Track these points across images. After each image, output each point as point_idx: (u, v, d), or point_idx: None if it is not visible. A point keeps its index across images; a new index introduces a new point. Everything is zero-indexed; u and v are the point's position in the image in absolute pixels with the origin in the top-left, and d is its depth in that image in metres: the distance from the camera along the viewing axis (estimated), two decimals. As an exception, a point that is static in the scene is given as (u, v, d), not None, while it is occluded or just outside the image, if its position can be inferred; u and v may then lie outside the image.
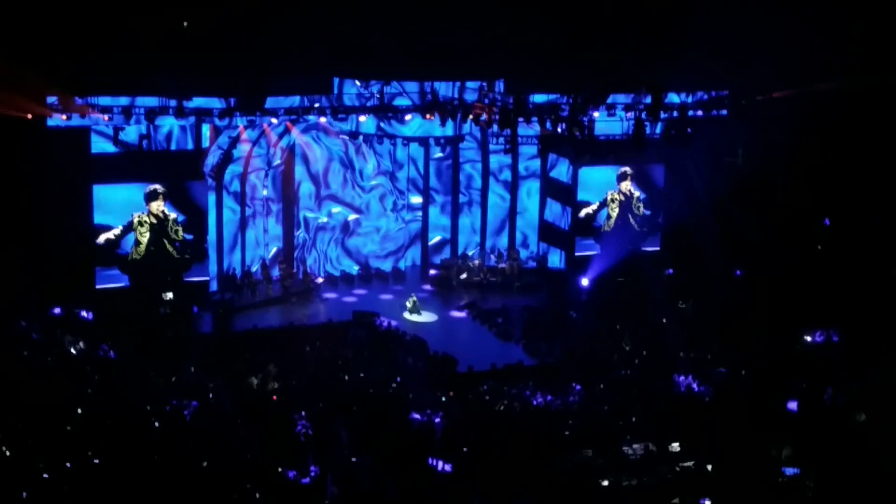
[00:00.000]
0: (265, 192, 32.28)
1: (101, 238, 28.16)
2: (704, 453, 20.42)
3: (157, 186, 28.55)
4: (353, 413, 21.81)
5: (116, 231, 28.35)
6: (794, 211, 32.90)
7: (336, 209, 33.79)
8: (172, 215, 28.80)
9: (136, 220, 28.46)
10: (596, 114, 30.31)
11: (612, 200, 33.42)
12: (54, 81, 26.16)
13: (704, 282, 31.44)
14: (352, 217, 34.03)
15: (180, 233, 28.92)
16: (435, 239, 35.11)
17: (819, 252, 30.84)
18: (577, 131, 30.25)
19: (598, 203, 33.29)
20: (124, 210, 28.41)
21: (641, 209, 33.59)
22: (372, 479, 19.59)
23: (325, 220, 33.65)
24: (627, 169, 33.24)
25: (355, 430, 21.15)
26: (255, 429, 20.90)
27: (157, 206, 28.59)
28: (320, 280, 32.83)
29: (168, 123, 28.59)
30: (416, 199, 34.74)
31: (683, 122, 29.60)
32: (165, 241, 28.81)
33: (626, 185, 33.39)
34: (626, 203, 33.51)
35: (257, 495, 18.25)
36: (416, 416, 21.90)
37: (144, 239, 28.61)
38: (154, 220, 28.59)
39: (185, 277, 29.27)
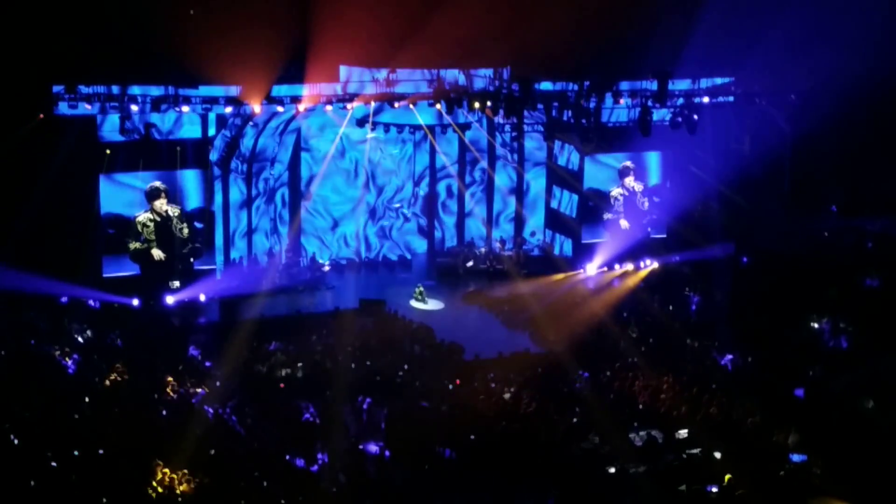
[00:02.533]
0: (271, 181, 32.29)
1: (131, 247, 28.48)
2: (711, 440, 20.42)
3: (158, 183, 28.59)
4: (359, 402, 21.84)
5: (137, 244, 28.57)
6: (801, 198, 32.84)
7: (343, 196, 33.80)
8: (176, 211, 28.84)
9: (139, 223, 28.54)
10: (602, 101, 30.29)
11: (616, 199, 33.39)
12: (60, 70, 26.18)
13: (711, 269, 31.39)
14: (360, 204, 34.04)
15: (185, 230, 28.95)
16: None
17: (826, 239, 30.78)
18: (584, 118, 30.23)
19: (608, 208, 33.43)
20: (131, 199, 28.48)
21: (646, 204, 33.54)
22: (379, 467, 19.65)
23: (332, 207, 33.69)
24: (629, 164, 33.21)
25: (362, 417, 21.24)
26: (262, 417, 20.95)
27: (160, 204, 28.63)
28: (327, 268, 32.83)
29: (174, 112, 28.53)
30: (421, 190, 34.81)
31: (690, 108, 29.52)
32: (173, 235, 28.92)
33: (629, 181, 33.35)
34: (630, 199, 33.49)
35: (265, 483, 18.29)
36: (424, 404, 21.93)
37: (153, 236, 28.69)
38: (158, 218, 28.65)
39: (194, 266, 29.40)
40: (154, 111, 27.55)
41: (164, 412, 21.19)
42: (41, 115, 26.41)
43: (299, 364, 24.12)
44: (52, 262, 26.80)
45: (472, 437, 20.38)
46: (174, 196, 28.93)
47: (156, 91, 27.46)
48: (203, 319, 28.28)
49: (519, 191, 35.32)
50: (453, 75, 31.18)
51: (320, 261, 32.94)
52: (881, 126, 30.51)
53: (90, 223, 28.08)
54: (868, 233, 28.42)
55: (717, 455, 20.06)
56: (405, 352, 25.86)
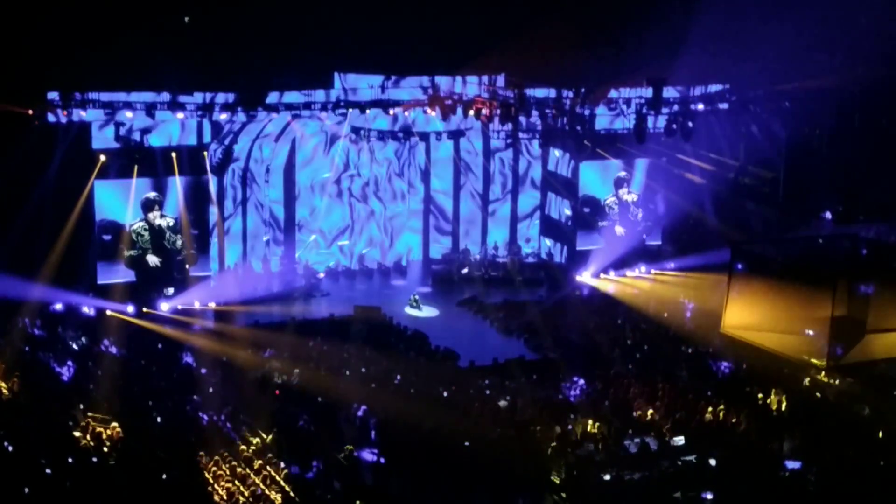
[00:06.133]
0: (266, 187, 32.27)
1: (126, 254, 28.59)
2: (706, 447, 20.40)
3: (153, 195, 28.70)
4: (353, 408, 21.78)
5: (132, 251, 28.71)
6: (795, 204, 32.86)
7: (336, 203, 33.79)
8: (170, 222, 28.91)
9: (134, 231, 28.61)
10: (597, 108, 30.37)
11: (611, 208, 33.54)
12: (55, 77, 26.18)
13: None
14: (357, 211, 34.03)
15: (178, 242, 29.05)
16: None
17: (821, 245, 30.76)
18: (579, 125, 30.28)
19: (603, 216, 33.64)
20: (125, 205, 28.48)
21: (640, 215, 33.70)
22: (374, 474, 19.61)
23: (325, 213, 33.69)
24: (623, 174, 33.40)
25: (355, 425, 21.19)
26: (256, 423, 20.90)
27: (154, 215, 28.79)
28: (321, 275, 32.81)
29: (169, 119, 28.52)
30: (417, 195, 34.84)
31: (684, 115, 29.58)
32: (166, 244, 29.04)
33: (623, 192, 33.54)
34: (624, 209, 33.65)
35: (259, 489, 18.24)
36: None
37: (148, 245, 28.80)
38: (152, 229, 28.74)
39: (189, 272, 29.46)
40: (149, 118, 27.57)
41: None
42: (37, 122, 26.37)
43: (295, 371, 24.06)
44: (47, 268, 26.77)
45: (467, 444, 20.34)
46: (169, 204, 28.96)
47: (151, 98, 27.46)
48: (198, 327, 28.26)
49: (514, 198, 35.39)
50: (448, 82, 31.23)
51: (315, 268, 32.92)
52: (875, 133, 30.55)
53: (85, 230, 28.04)
54: (862, 239, 28.40)
55: (713, 462, 20.05)
56: (400, 359, 25.82)
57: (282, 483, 18.29)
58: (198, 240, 29.58)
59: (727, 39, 29.33)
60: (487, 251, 34.91)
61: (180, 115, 27.90)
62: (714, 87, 31.70)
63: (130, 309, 27.77)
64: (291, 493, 17.94)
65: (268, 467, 18.87)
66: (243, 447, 19.85)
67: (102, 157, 27.93)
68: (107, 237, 28.63)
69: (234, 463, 18.97)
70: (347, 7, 28.02)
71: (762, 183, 32.90)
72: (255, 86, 28.48)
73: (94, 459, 18.97)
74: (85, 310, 27.32)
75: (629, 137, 30.67)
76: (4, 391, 21.95)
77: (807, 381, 24.07)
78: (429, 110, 30.76)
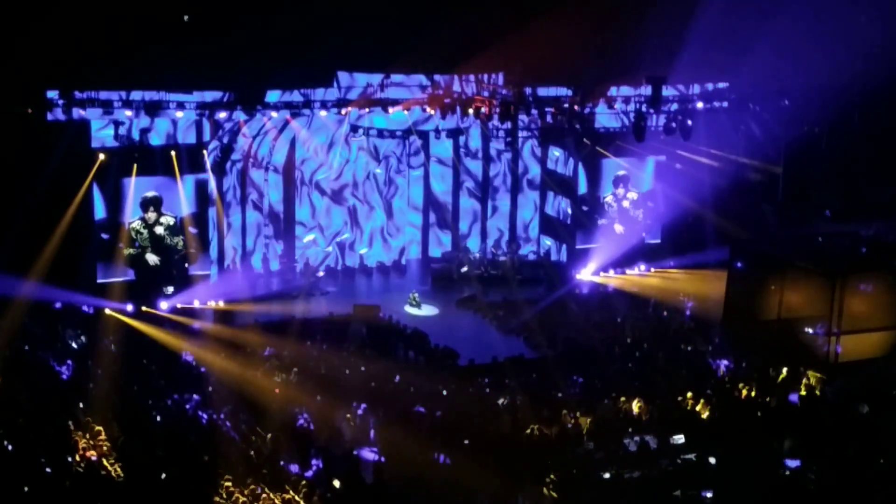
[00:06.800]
0: (265, 186, 32.26)
1: (125, 253, 28.67)
2: (706, 446, 20.41)
3: (151, 194, 28.70)
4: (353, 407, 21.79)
5: (131, 250, 28.75)
6: (795, 202, 32.88)
7: (336, 202, 33.76)
8: (168, 220, 28.93)
9: (133, 230, 28.63)
10: (596, 107, 30.37)
11: (610, 206, 33.57)
12: (54, 75, 26.15)
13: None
14: (356, 210, 34.02)
15: (177, 241, 29.03)
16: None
17: (820, 243, 30.85)
18: (578, 124, 30.29)
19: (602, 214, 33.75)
20: (124, 204, 28.49)
21: (640, 216, 33.70)
22: (374, 473, 19.61)
23: (325, 212, 33.65)
24: (622, 172, 33.39)
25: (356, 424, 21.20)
26: (256, 423, 20.91)
27: (153, 214, 28.76)
28: (321, 274, 32.81)
29: (168, 117, 28.47)
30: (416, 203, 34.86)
31: (684, 113, 29.58)
32: (165, 243, 29.05)
33: (621, 191, 33.56)
34: (623, 207, 33.66)
35: (259, 489, 18.24)
36: (420, 409, 21.89)
37: (147, 243, 28.80)
38: (151, 228, 28.74)
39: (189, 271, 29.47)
40: (148, 116, 27.55)
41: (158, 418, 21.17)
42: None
43: (294, 370, 24.07)
44: (46, 267, 26.74)
45: (466, 441, 20.35)
46: (168, 202, 28.94)
47: (150, 96, 27.44)
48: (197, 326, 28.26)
49: (513, 197, 35.39)
50: (447, 81, 31.21)
51: (314, 266, 32.90)
52: (874, 131, 30.57)
53: (84, 228, 28.02)
54: (862, 237, 28.44)
55: (712, 460, 20.05)
56: (399, 357, 25.82)
57: (281, 483, 18.28)
58: (197, 238, 29.57)
59: (727, 37, 29.32)
60: (487, 250, 34.90)
61: (179, 113, 27.86)
62: (713, 86, 31.72)
63: (130, 307, 27.75)
64: (291, 493, 17.92)
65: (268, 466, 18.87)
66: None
67: (101, 156, 27.92)
68: (106, 236, 28.62)
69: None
70: (346, 6, 28.00)
71: (766, 179, 32.90)
72: (254, 84, 28.46)
73: (94, 459, 18.98)
74: (84, 308, 27.30)
75: (629, 136, 30.68)
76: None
77: (806, 380, 24.09)
78: (428, 108, 30.79)
